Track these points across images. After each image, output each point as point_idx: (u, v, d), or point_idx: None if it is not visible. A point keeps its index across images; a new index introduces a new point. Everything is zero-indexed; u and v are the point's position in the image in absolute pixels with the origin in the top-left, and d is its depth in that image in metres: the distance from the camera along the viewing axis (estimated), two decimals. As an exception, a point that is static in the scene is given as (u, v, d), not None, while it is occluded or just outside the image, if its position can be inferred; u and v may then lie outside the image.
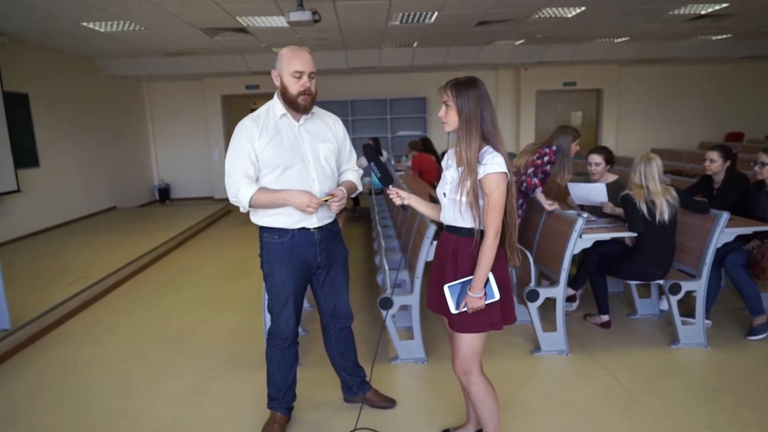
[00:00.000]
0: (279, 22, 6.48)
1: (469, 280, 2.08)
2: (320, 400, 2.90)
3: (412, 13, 6.53)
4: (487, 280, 2.07)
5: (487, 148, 2.05)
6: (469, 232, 2.09)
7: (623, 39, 9.00)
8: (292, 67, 2.28)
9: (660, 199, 3.29)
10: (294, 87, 2.30)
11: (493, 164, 2.00)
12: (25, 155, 7.14)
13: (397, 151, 10.90)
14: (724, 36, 8.99)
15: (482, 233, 2.05)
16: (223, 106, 11.19)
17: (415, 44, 8.93)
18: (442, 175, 2.25)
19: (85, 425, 2.77)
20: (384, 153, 8.74)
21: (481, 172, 2.01)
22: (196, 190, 11.56)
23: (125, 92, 10.30)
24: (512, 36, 8.42)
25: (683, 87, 11.61)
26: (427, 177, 7.19)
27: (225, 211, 9.45)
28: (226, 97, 11.19)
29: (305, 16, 5.16)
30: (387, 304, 3.13)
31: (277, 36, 7.49)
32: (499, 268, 2.11)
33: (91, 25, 6.31)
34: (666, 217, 3.30)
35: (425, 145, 8.15)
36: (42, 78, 7.63)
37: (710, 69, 11.47)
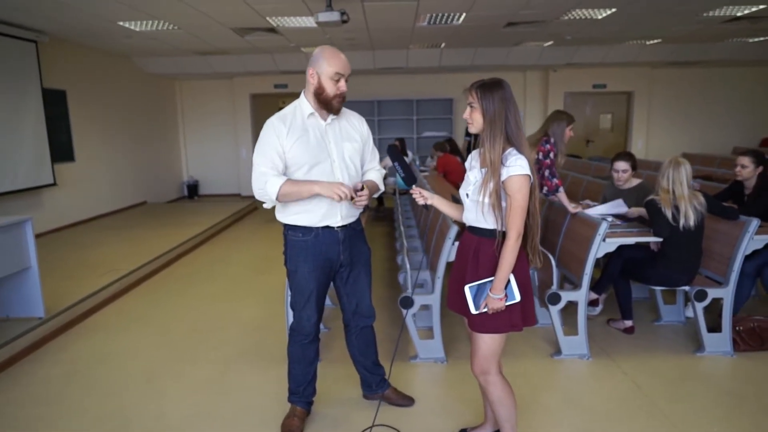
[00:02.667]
0: (308, 22, 6.57)
1: (490, 281, 2.09)
2: (340, 396, 2.94)
3: (440, 14, 6.54)
4: (508, 281, 2.08)
5: (510, 150, 2.06)
6: (491, 233, 2.11)
7: (656, 41, 8.84)
8: (333, 69, 2.32)
9: (686, 204, 3.24)
10: (332, 89, 2.34)
11: (517, 166, 2.01)
12: (61, 150, 7.40)
13: (422, 152, 10.90)
14: (762, 38, 8.74)
15: (504, 234, 2.07)
16: (252, 104, 11.37)
17: (442, 45, 8.93)
18: (466, 175, 2.27)
19: (114, 409, 2.88)
20: (409, 153, 8.76)
21: (505, 173, 2.03)
22: (223, 187, 11.76)
23: (158, 90, 10.56)
24: (541, 37, 8.34)
25: (717, 90, 11.31)
26: (452, 178, 7.18)
27: (251, 209, 9.60)
28: (254, 95, 11.36)
29: (334, 16, 5.22)
30: (408, 303, 3.16)
31: (306, 36, 7.58)
32: (520, 269, 2.12)
33: (127, 24, 6.50)
34: (691, 222, 3.25)
35: (451, 147, 8.15)
36: (79, 75, 7.88)
37: (746, 72, 11.15)
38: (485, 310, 2.10)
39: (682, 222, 3.25)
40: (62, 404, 2.96)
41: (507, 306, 2.09)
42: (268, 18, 6.39)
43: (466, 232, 2.26)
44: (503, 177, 2.03)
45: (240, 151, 11.44)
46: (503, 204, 2.06)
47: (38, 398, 3.04)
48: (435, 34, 7.90)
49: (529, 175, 2.04)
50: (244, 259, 6.20)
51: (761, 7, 6.38)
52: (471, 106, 2.11)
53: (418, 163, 8.89)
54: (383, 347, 2.89)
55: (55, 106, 7.27)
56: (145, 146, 9.96)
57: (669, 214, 3.26)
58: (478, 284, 2.12)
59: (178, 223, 7.82)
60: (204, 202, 10.78)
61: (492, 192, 2.05)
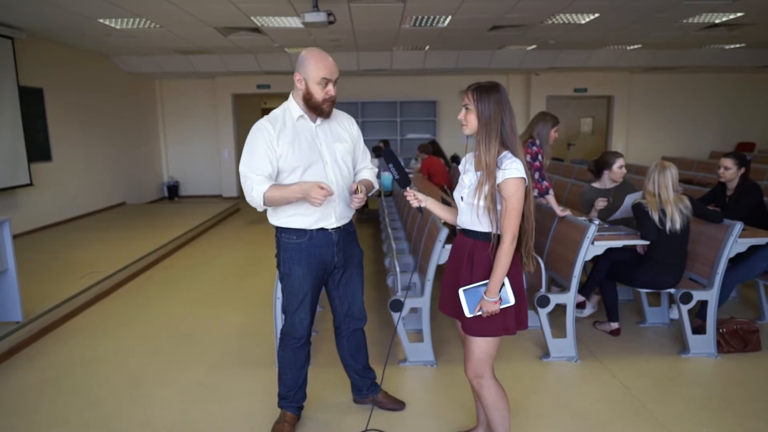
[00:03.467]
0: (293, 22, 6.52)
1: (485, 284, 2.08)
2: (330, 401, 2.91)
3: (426, 17, 6.55)
4: (503, 284, 2.08)
5: (506, 153, 2.06)
6: (485, 236, 2.10)
7: (636, 46, 8.99)
8: (320, 74, 2.29)
9: (672, 207, 3.29)
10: (320, 94, 2.31)
11: (513, 169, 2.01)
12: (38, 149, 7.21)
13: (406, 153, 10.91)
14: (738, 45, 8.96)
15: (499, 237, 2.06)
16: (234, 104, 11.25)
17: (427, 47, 8.95)
18: (460, 178, 2.25)
19: (97, 417, 2.80)
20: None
21: (500, 176, 2.02)
22: (204, 188, 11.62)
23: (138, 89, 10.38)
24: (524, 41, 8.42)
25: (695, 96, 11.57)
26: (436, 180, 7.20)
27: (233, 210, 9.49)
28: (237, 96, 11.24)
29: (320, 17, 5.18)
30: (398, 306, 3.14)
31: (290, 36, 7.53)
32: (514, 273, 2.11)
33: (107, 22, 6.37)
34: (677, 226, 3.29)
35: (435, 149, 8.16)
36: (56, 73, 7.70)
37: (722, 78, 11.43)
38: (480, 313, 2.09)
39: (668, 225, 3.29)
40: (41, 413, 2.86)
41: (501, 309, 2.09)
42: (252, 17, 6.32)
43: (460, 234, 2.24)
44: (499, 180, 2.03)
45: (222, 151, 11.31)
46: (498, 207, 2.06)
47: (15, 407, 2.93)
48: (420, 37, 7.91)
49: (524, 178, 2.03)
50: (228, 262, 6.11)
51: (738, 14, 6.54)
52: (466, 108, 2.10)
53: (402, 164, 8.87)
54: (371, 351, 2.86)
55: (32, 104, 7.09)
56: (125, 146, 9.78)
57: (656, 217, 3.30)
58: (473, 287, 2.11)
59: (159, 224, 7.68)
60: (185, 203, 10.62)
61: (487, 195, 2.04)
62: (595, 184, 4.20)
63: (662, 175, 3.32)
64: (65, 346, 3.74)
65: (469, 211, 2.13)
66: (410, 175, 7.62)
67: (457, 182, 2.25)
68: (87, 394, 3.05)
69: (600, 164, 4.14)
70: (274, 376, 2.72)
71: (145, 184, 10.69)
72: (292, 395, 2.61)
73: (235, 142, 11.26)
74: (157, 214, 8.92)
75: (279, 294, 3.12)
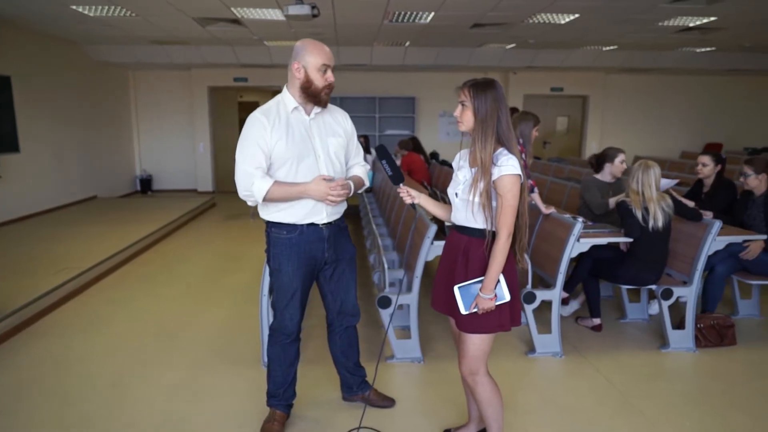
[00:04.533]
0: (275, 15, 6.41)
1: (480, 281, 2.08)
2: (319, 398, 2.88)
3: (408, 12, 6.53)
4: (498, 281, 2.08)
5: (501, 150, 2.06)
6: (480, 233, 2.10)
7: (612, 47, 9.15)
8: (320, 60, 2.28)
9: (654, 206, 3.36)
10: (320, 81, 2.30)
11: (508, 166, 2.02)
12: (4, 140, 6.94)
13: (384, 149, 10.88)
14: (709, 49, 9.20)
15: (494, 234, 2.07)
16: (210, 97, 11.02)
17: (407, 43, 8.94)
18: (454, 175, 2.25)
19: (77, 418, 2.71)
20: (372, 151, 8.72)
21: (496, 173, 2.02)
22: (179, 182, 11.37)
23: (110, 79, 10.08)
24: (504, 39, 8.48)
25: (666, 97, 11.86)
26: (417, 176, 7.20)
27: (209, 205, 9.31)
28: (213, 88, 11.02)
29: (304, 10, 5.11)
30: (387, 303, 3.12)
31: (271, 29, 7.41)
32: (509, 269, 2.12)
33: (80, 9, 6.15)
34: (660, 224, 3.37)
35: (415, 145, 8.17)
36: (25, 61, 7.41)
37: (693, 80, 11.74)
38: (475, 310, 2.09)
39: (651, 223, 3.36)
40: (17, 415, 2.75)
41: (496, 306, 2.09)
42: (233, 9, 6.19)
43: (454, 231, 2.24)
44: (495, 176, 2.03)
45: (198, 145, 11.07)
46: (493, 204, 2.06)
47: (-10, 407, 2.82)
48: (401, 32, 7.88)
49: (520, 175, 2.04)
50: (207, 257, 6.00)
51: (712, 18, 6.71)
52: (462, 105, 2.10)
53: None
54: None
55: (-1, 92, 6.82)
56: (96, 138, 9.48)
57: (639, 215, 3.37)
58: (468, 284, 2.11)
59: (133, 219, 7.48)
60: (159, 197, 10.38)
61: (482, 191, 2.04)
62: (597, 176, 4.21)
63: (646, 174, 3.39)
64: (39, 345, 3.61)
65: (464, 207, 2.12)
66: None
67: (437, 178, 2.25)
68: (65, 394, 2.95)
69: (602, 158, 4.17)
70: (261, 374, 2.68)
71: (117, 177, 10.41)
72: (282, 393, 2.58)
73: (211, 135, 11.04)
74: (130, 208, 8.69)
75: (266, 290, 3.08)
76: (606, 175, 4.16)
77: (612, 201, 3.94)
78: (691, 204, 3.71)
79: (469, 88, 2.08)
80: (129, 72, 10.78)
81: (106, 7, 6.12)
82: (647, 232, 3.39)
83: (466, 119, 2.09)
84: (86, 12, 6.28)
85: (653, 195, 3.38)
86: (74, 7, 6.05)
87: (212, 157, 11.16)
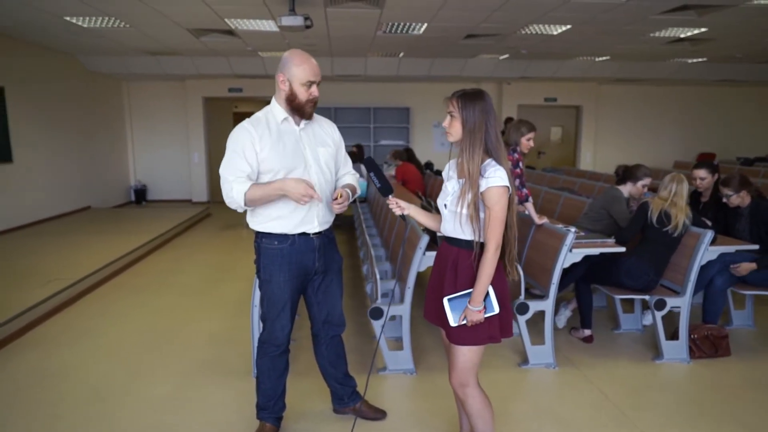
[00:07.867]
0: (269, 26, 6.44)
1: (469, 293, 2.07)
2: (309, 411, 2.84)
3: (401, 23, 6.57)
4: (487, 293, 2.07)
5: (489, 161, 2.05)
6: (468, 244, 2.09)
7: (604, 58, 9.22)
8: (305, 76, 2.27)
9: (681, 214, 3.45)
10: (303, 95, 2.30)
11: (496, 177, 2.00)
12: (-3, 150, 6.92)
13: (379, 160, 10.89)
14: (700, 59, 9.29)
15: (482, 246, 2.05)
16: (205, 108, 11.03)
17: (401, 54, 8.98)
18: (443, 185, 2.24)
19: (64, 431, 2.67)
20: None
21: (484, 185, 2.01)
22: (173, 192, 11.34)
23: (104, 90, 10.08)
24: (497, 50, 8.54)
25: (659, 107, 11.95)
26: (411, 187, 7.20)
27: (204, 215, 9.28)
28: (208, 99, 11.03)
29: (297, 21, 5.13)
30: (379, 314, 3.10)
31: (264, 40, 7.44)
32: (498, 281, 2.10)
33: (74, 20, 6.16)
34: (678, 231, 3.45)
35: (409, 155, 8.18)
36: (18, 71, 7.41)
37: (686, 91, 11.84)
38: (464, 322, 2.07)
39: (669, 227, 3.44)
40: (4, 428, 2.71)
41: (486, 318, 2.08)
42: (227, 20, 6.22)
43: (443, 242, 2.23)
44: (482, 188, 2.01)
45: (192, 155, 11.06)
46: (481, 215, 2.05)
47: (-25, 421, 2.78)
48: (394, 43, 7.93)
49: (507, 187, 2.03)
50: (199, 268, 5.96)
51: (703, 30, 6.77)
52: (451, 115, 2.09)
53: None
54: (347, 359, 2.81)
55: (-8, 103, 6.80)
56: (90, 148, 9.46)
57: (654, 217, 3.49)
58: (457, 296, 2.09)
59: (126, 229, 7.45)
60: (153, 208, 10.33)
61: (470, 203, 2.03)
62: (620, 187, 4.08)
63: (680, 186, 3.53)
64: (28, 357, 3.56)
65: (453, 218, 2.11)
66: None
67: (431, 189, 2.24)
68: (52, 407, 2.90)
69: (628, 173, 4.03)
70: (251, 386, 2.64)
71: (111, 187, 10.37)
72: (272, 405, 2.55)
73: (206, 145, 11.03)
74: (124, 218, 8.65)
75: (257, 301, 3.05)
76: (625, 190, 4.07)
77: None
78: (709, 224, 3.76)
79: (458, 98, 2.07)
80: (123, 82, 10.79)
81: (100, 18, 6.14)
82: (658, 232, 3.49)
83: (455, 130, 2.08)
84: (80, 23, 6.29)
85: (683, 205, 3.50)
86: (68, 18, 6.06)
87: (207, 167, 11.14)
